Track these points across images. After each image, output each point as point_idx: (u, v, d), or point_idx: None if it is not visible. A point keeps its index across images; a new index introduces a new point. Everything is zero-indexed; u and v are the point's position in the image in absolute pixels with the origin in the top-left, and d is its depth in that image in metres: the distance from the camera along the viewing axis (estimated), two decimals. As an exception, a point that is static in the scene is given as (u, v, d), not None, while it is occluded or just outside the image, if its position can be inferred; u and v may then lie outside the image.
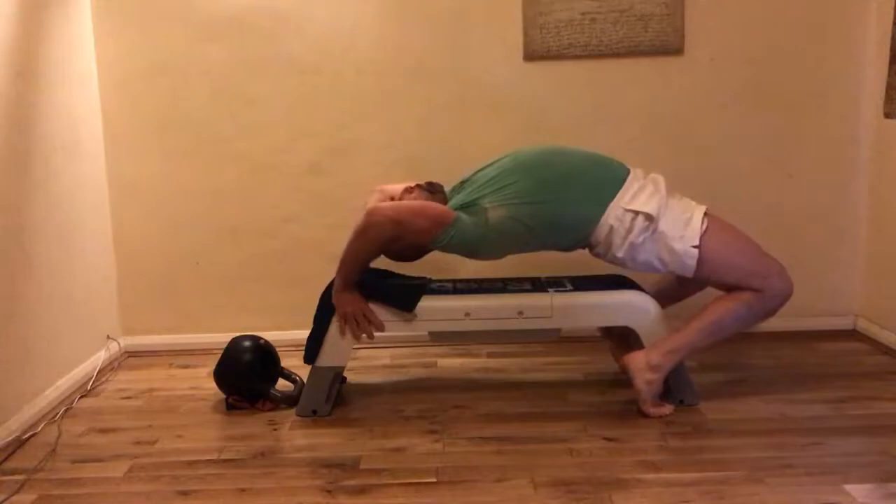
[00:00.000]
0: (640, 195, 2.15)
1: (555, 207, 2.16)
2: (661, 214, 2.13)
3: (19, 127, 2.31)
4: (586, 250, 2.27)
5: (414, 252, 2.31)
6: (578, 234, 2.20)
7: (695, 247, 2.11)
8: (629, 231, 2.14)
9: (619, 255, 2.17)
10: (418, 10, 2.77)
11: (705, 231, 2.13)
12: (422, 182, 2.36)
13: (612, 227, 2.15)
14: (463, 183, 2.36)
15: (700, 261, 2.12)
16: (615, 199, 2.15)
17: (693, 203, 2.20)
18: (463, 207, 2.20)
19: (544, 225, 2.17)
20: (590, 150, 2.29)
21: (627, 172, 2.22)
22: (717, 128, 2.82)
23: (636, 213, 2.13)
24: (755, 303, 2.12)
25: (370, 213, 2.13)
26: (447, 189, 2.39)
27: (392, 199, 2.39)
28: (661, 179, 2.22)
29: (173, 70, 2.81)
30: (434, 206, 2.20)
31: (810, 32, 2.76)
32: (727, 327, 2.16)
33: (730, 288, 2.16)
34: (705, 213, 2.16)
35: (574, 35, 2.76)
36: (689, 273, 2.15)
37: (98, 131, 2.81)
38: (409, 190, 2.35)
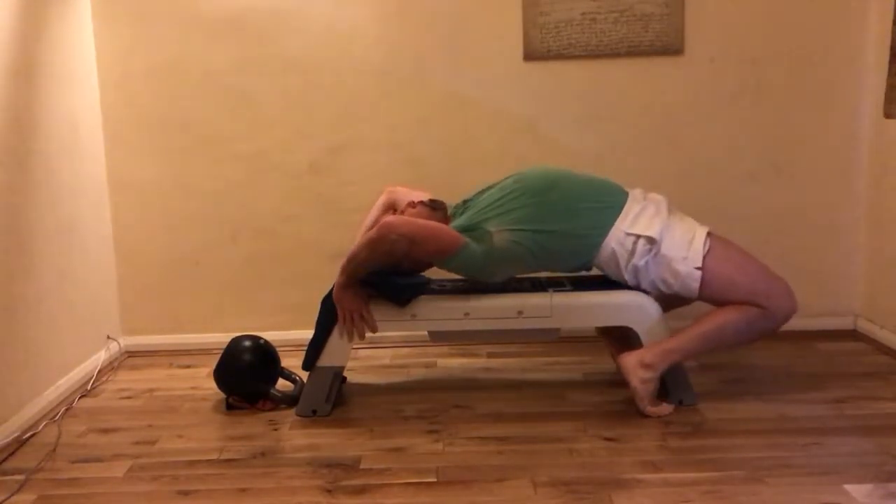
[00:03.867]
0: (640, 218, 2.16)
1: (559, 236, 2.18)
2: (662, 237, 2.13)
3: (19, 127, 2.31)
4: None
5: (413, 265, 2.30)
6: (580, 259, 2.23)
7: (698, 268, 2.11)
8: (631, 254, 2.15)
9: (625, 276, 2.19)
10: (418, 10, 2.77)
11: (708, 252, 2.13)
12: (425, 199, 2.35)
13: (613, 251, 2.16)
14: (466, 203, 2.36)
15: (703, 282, 2.12)
16: (616, 223, 2.16)
17: (695, 223, 2.19)
18: (466, 230, 2.19)
19: (548, 251, 2.18)
20: (589, 174, 2.31)
21: (626, 196, 2.23)
22: (717, 128, 2.82)
23: (637, 236, 2.14)
24: (758, 319, 2.11)
25: (387, 227, 2.08)
26: (450, 206, 2.39)
27: (394, 209, 2.41)
28: (662, 200, 2.23)
29: (173, 70, 2.81)
30: (448, 232, 2.16)
31: (810, 32, 2.76)
32: (727, 338, 2.16)
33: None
34: (708, 234, 2.16)
35: (574, 35, 2.76)
36: (694, 295, 2.16)
37: (98, 131, 2.81)
38: (412, 205, 2.34)
